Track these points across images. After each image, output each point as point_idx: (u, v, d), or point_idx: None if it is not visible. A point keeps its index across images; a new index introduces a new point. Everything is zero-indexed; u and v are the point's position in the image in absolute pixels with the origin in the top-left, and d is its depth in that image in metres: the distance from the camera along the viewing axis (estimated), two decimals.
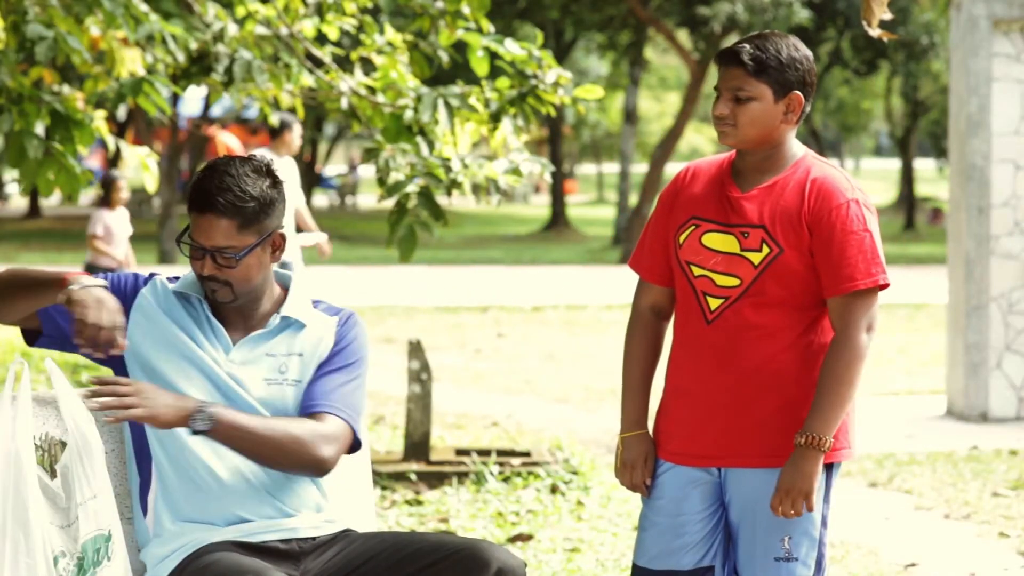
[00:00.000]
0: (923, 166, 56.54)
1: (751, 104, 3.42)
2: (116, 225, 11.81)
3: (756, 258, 3.43)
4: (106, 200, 11.99)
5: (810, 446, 3.38)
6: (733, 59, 3.42)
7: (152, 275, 3.46)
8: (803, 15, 25.32)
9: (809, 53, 3.49)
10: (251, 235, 3.32)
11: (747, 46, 3.42)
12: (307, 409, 3.36)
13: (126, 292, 3.38)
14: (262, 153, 9.92)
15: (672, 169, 32.57)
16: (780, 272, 3.42)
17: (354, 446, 3.41)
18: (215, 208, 3.29)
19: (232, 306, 3.38)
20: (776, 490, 3.41)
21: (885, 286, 3.44)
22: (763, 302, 3.43)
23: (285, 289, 3.49)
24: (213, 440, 3.24)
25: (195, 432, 3.21)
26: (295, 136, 10.55)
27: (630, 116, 30.10)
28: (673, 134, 27.09)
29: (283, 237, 3.41)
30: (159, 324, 3.36)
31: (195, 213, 3.32)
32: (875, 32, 4.23)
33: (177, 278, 3.46)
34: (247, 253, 3.31)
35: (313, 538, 3.35)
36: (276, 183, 3.37)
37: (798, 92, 3.44)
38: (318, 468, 3.32)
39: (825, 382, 3.40)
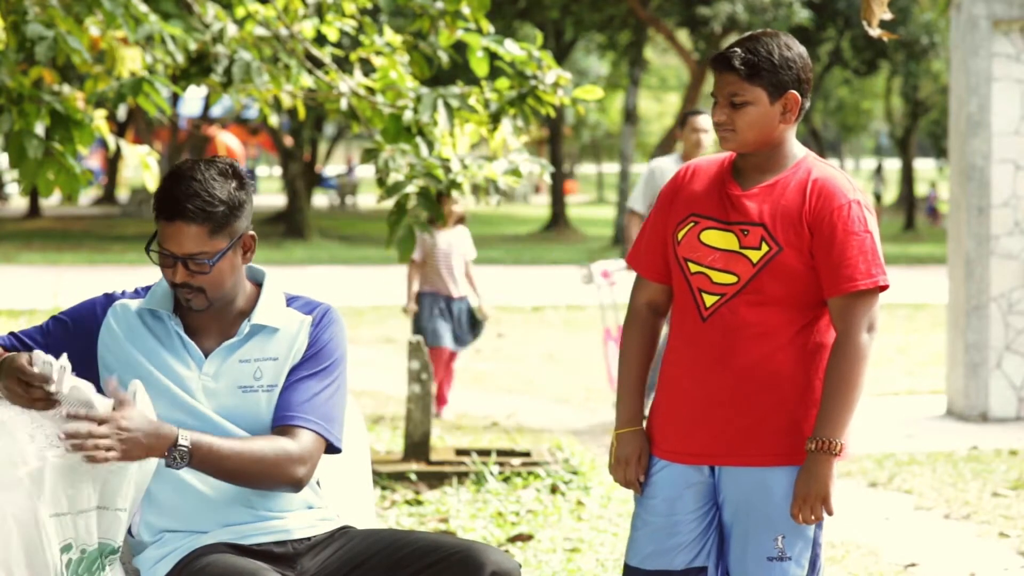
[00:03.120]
0: (923, 166, 56.55)
1: (748, 108, 3.42)
2: (445, 247, 9.47)
3: (755, 256, 3.43)
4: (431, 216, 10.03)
5: (821, 451, 3.39)
6: (726, 64, 3.42)
7: (111, 298, 3.39)
8: (803, 15, 25.33)
9: (803, 50, 3.48)
10: (222, 239, 3.27)
11: (738, 50, 3.42)
12: (280, 421, 3.32)
13: (88, 326, 3.35)
14: (667, 161, 8.85)
15: None
16: (778, 271, 3.42)
17: (332, 450, 3.38)
18: (184, 215, 3.23)
19: (205, 312, 3.35)
20: (794, 498, 3.42)
21: (885, 287, 3.44)
22: (760, 300, 3.44)
23: (258, 285, 3.45)
24: (190, 468, 3.21)
25: (170, 465, 3.18)
26: (699, 131, 8.73)
27: (630, 116, 30.09)
28: (673, 134, 27.09)
29: (253, 238, 3.36)
30: (122, 356, 3.32)
31: (164, 221, 3.26)
32: (875, 32, 4.23)
33: (147, 288, 3.42)
34: (220, 258, 3.27)
35: (308, 538, 3.34)
36: (243, 184, 3.31)
37: (794, 91, 3.44)
38: (293, 487, 3.29)
39: (830, 385, 3.41)
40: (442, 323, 9.51)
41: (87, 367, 3.31)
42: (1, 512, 3.09)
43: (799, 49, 3.46)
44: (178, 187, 3.24)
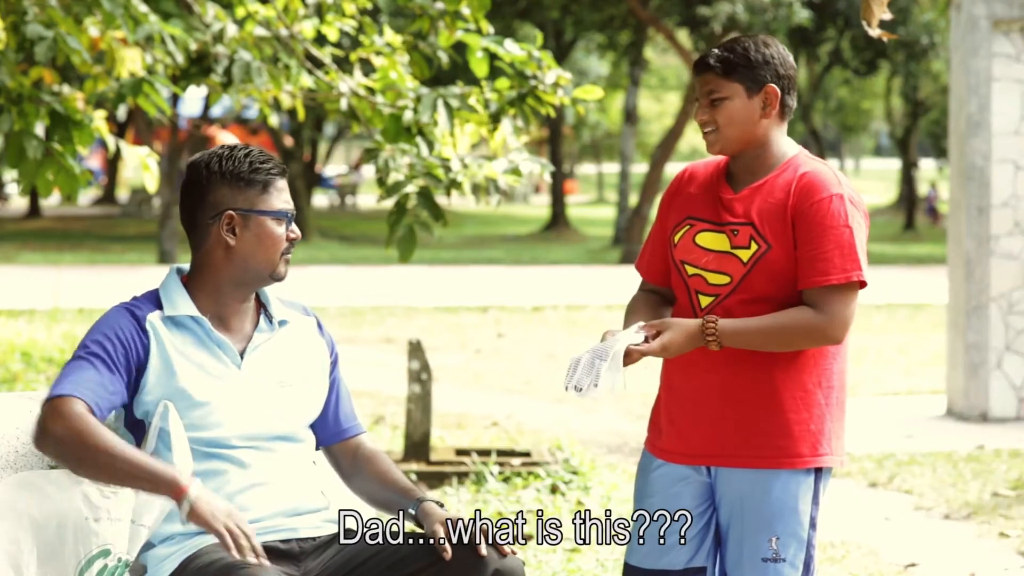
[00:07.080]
0: (923, 166, 56.59)
1: (726, 104, 3.45)
2: None
3: (745, 255, 3.45)
4: None
5: (705, 328, 3.38)
6: (704, 66, 3.49)
7: (138, 318, 3.31)
8: (803, 15, 25.34)
9: (782, 49, 3.50)
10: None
11: (715, 51, 3.49)
12: (344, 434, 3.51)
13: (140, 353, 3.29)
14: None
15: (672, 169, 32.61)
16: (768, 269, 3.43)
17: None
18: None
19: (230, 313, 3.37)
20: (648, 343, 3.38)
21: (862, 284, 3.43)
22: (751, 299, 3.45)
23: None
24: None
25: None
26: None
27: (630, 116, 30.11)
28: (673, 134, 27.10)
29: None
30: (166, 372, 3.30)
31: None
32: (875, 32, 4.23)
33: (147, 297, 3.38)
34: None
35: (313, 538, 3.35)
36: None
37: (772, 85, 3.46)
38: None
39: (774, 317, 3.38)
40: None
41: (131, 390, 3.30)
42: (18, 511, 3.12)
43: (778, 49, 3.49)
44: None
